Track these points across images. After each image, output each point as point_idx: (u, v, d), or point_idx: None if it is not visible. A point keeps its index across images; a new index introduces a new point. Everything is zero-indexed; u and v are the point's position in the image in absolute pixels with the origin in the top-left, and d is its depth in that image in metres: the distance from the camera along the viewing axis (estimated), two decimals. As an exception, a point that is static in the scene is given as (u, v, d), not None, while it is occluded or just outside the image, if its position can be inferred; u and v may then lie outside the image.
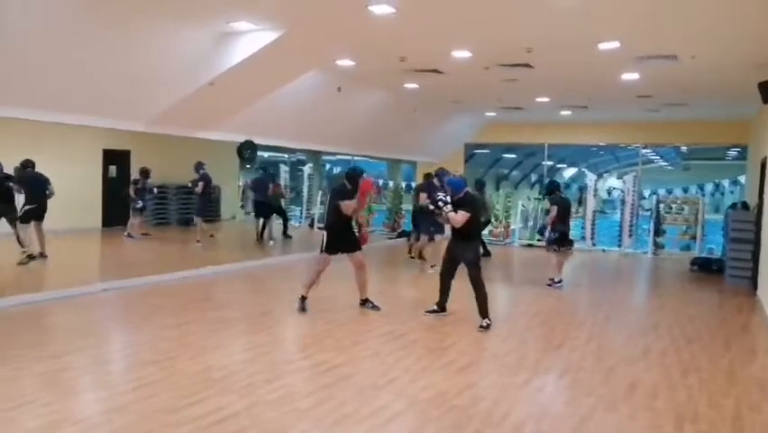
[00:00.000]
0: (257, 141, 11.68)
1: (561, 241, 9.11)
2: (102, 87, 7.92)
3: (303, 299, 6.92)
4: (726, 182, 16.83)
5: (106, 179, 14.83)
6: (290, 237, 13.74)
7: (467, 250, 6.44)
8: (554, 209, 8.99)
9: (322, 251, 6.82)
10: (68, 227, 13.10)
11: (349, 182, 6.87)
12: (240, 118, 10.52)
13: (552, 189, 9.29)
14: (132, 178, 13.29)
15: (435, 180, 9.84)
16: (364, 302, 7.09)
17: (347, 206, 6.70)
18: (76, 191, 13.82)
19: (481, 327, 6.26)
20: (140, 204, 12.78)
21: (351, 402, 4.21)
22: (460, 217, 6.28)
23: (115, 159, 14.98)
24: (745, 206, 11.27)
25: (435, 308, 6.81)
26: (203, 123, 10.33)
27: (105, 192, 14.75)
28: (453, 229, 6.47)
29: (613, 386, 4.79)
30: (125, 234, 12.73)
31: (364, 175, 6.94)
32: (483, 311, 6.35)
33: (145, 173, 12.88)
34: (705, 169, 21.96)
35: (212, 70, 8.38)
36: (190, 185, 12.37)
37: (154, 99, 8.75)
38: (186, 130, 10.42)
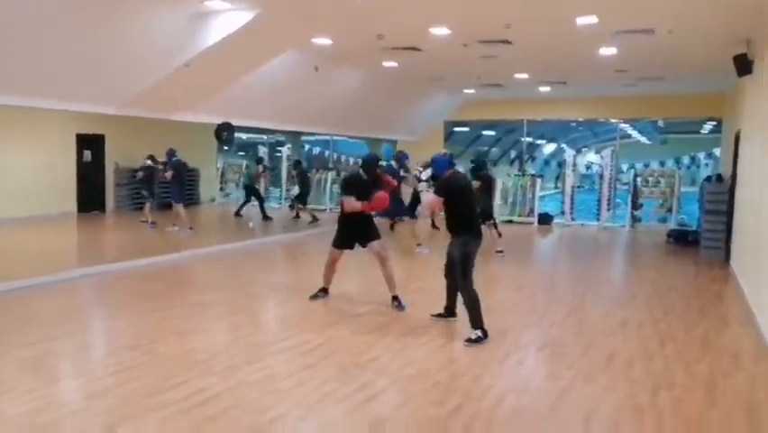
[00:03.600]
0: (234, 122, 11.53)
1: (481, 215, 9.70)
2: (75, 70, 7.73)
3: (321, 289, 6.60)
4: (701, 155, 17.08)
5: (81, 164, 14.57)
6: (270, 219, 13.92)
7: (452, 245, 5.43)
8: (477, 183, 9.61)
9: (332, 244, 6.44)
10: (42, 213, 12.90)
11: (365, 172, 6.15)
12: (216, 100, 10.37)
13: (479, 166, 10.08)
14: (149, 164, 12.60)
15: (393, 163, 9.89)
16: (393, 299, 6.29)
17: (349, 204, 6.07)
18: (49, 177, 13.58)
19: (468, 339, 5.13)
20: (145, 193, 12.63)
21: (332, 381, 4.23)
22: (429, 198, 5.49)
23: (90, 143, 14.70)
24: (719, 178, 11.45)
25: (442, 312, 5.86)
26: (179, 105, 10.16)
27: (80, 177, 14.50)
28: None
29: (592, 358, 4.88)
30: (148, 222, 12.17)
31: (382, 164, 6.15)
32: (473, 320, 5.22)
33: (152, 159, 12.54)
34: (681, 142, 22.21)
35: (187, 51, 8.21)
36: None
37: (128, 82, 8.57)
38: (161, 113, 10.24)
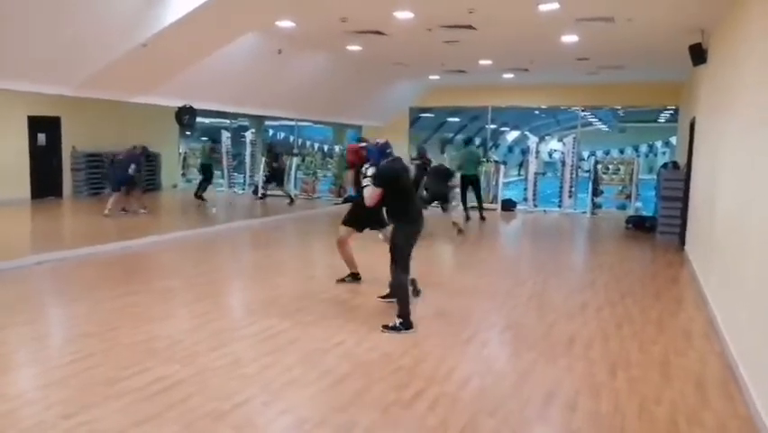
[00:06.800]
0: (196, 105, 11.29)
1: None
2: (26, 47, 7.43)
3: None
4: (658, 143, 17.56)
5: (35, 149, 14.01)
6: (204, 200, 14.27)
7: (393, 231, 5.30)
8: None
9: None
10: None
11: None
12: (177, 82, 10.13)
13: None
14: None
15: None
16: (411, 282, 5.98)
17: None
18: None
19: (385, 326, 5.06)
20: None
21: (297, 366, 4.22)
22: (368, 193, 5.27)
23: (44, 126, 14.16)
24: (675, 165, 11.77)
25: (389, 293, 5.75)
26: (137, 87, 9.88)
27: (34, 162, 13.96)
28: None
29: (552, 340, 4.99)
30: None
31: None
32: (398, 307, 5.13)
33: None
34: (640, 131, 22.79)
35: (145, 30, 7.97)
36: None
37: (83, 61, 8.28)
38: (119, 94, 9.96)
